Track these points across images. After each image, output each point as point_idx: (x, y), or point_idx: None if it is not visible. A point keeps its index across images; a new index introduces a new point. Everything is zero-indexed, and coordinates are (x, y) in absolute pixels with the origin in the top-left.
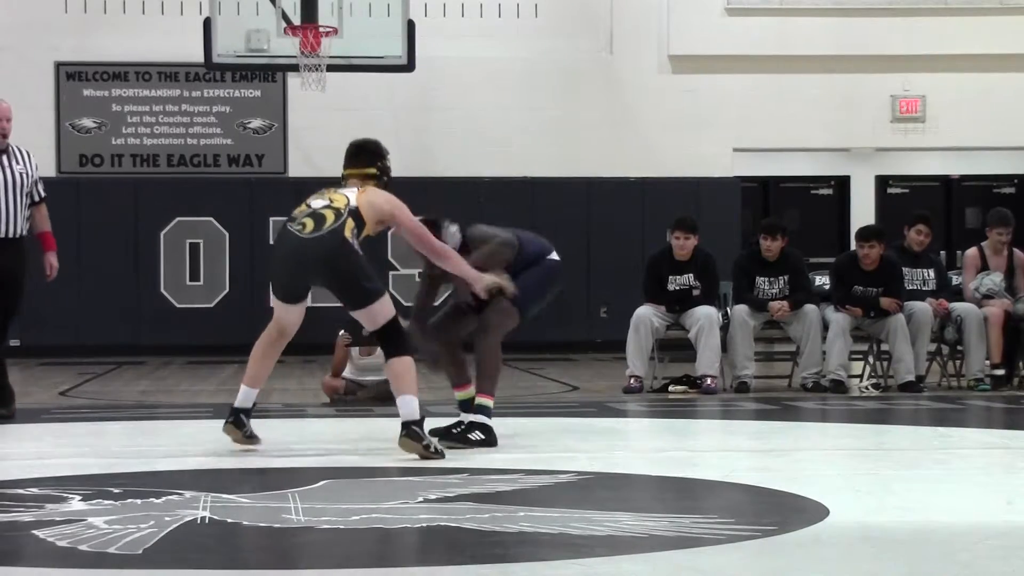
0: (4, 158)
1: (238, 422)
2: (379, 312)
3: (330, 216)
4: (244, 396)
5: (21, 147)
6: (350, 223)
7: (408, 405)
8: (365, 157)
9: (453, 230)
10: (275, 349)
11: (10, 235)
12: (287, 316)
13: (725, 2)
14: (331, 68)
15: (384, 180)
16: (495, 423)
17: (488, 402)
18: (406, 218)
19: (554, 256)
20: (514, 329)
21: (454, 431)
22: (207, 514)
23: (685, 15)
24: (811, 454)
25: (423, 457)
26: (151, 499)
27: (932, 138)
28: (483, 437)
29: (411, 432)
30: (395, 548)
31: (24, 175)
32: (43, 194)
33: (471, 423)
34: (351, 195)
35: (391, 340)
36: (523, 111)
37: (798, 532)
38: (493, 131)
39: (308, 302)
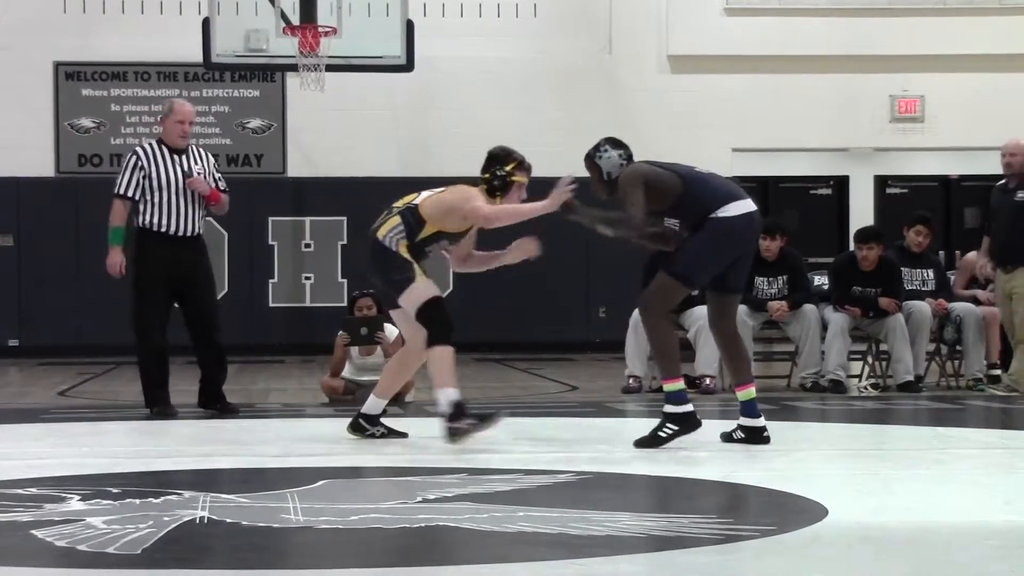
0: (184, 159)
1: (356, 426)
2: (408, 300)
3: (382, 216)
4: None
5: (200, 148)
6: (392, 222)
7: (443, 397)
8: (485, 163)
9: (613, 155)
10: (402, 360)
11: (190, 233)
12: (396, 319)
13: (724, 2)
14: (330, 68)
15: (495, 185)
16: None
17: (670, 386)
18: (472, 210)
19: (726, 212)
20: (675, 298)
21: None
22: (206, 514)
23: (684, 15)
24: (810, 454)
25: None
26: (150, 499)
27: (931, 138)
28: (675, 429)
29: (451, 417)
30: (394, 548)
31: (203, 175)
32: (224, 187)
33: (663, 416)
34: (425, 194)
35: (426, 329)
36: (522, 111)
37: (798, 532)
38: (492, 131)
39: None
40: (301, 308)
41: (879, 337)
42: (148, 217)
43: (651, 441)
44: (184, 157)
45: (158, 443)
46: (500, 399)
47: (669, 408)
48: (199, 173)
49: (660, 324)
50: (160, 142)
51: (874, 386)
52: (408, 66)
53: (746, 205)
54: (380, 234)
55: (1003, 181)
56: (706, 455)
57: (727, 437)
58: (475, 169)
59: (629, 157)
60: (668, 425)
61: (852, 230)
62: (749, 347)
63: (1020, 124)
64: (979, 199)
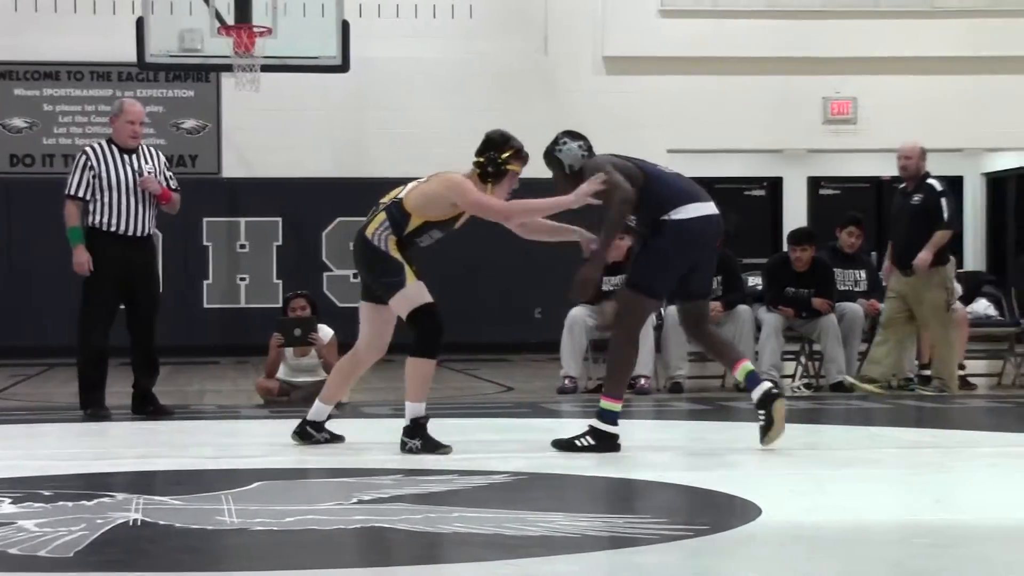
0: (134, 158)
1: (302, 433)
2: (399, 304)
3: (370, 213)
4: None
5: (151, 147)
6: (378, 219)
7: (409, 410)
8: (481, 146)
9: (573, 147)
10: (351, 363)
11: (140, 233)
12: (363, 315)
13: (659, 4)
14: (265, 68)
15: (488, 171)
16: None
17: (608, 405)
18: (460, 196)
19: (681, 214)
20: (643, 312)
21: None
22: (139, 516)
23: (619, 16)
24: (744, 454)
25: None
26: (83, 501)
27: (863, 140)
28: (592, 444)
29: (407, 431)
30: (329, 550)
31: (153, 174)
32: (176, 186)
33: (589, 428)
34: (409, 186)
35: (416, 336)
36: (458, 111)
37: (731, 532)
38: (428, 132)
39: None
40: (236, 309)
41: (812, 337)
42: (99, 217)
43: (567, 445)
44: (134, 157)
45: (92, 445)
46: (437, 400)
47: (597, 424)
48: (150, 172)
49: (625, 345)
50: (110, 142)
51: (807, 386)
52: (344, 67)
53: (704, 208)
54: (368, 232)
55: (902, 185)
56: (641, 456)
57: (759, 403)
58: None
59: (589, 148)
60: (588, 438)
61: (786, 231)
62: (684, 348)
63: (951, 125)
64: None
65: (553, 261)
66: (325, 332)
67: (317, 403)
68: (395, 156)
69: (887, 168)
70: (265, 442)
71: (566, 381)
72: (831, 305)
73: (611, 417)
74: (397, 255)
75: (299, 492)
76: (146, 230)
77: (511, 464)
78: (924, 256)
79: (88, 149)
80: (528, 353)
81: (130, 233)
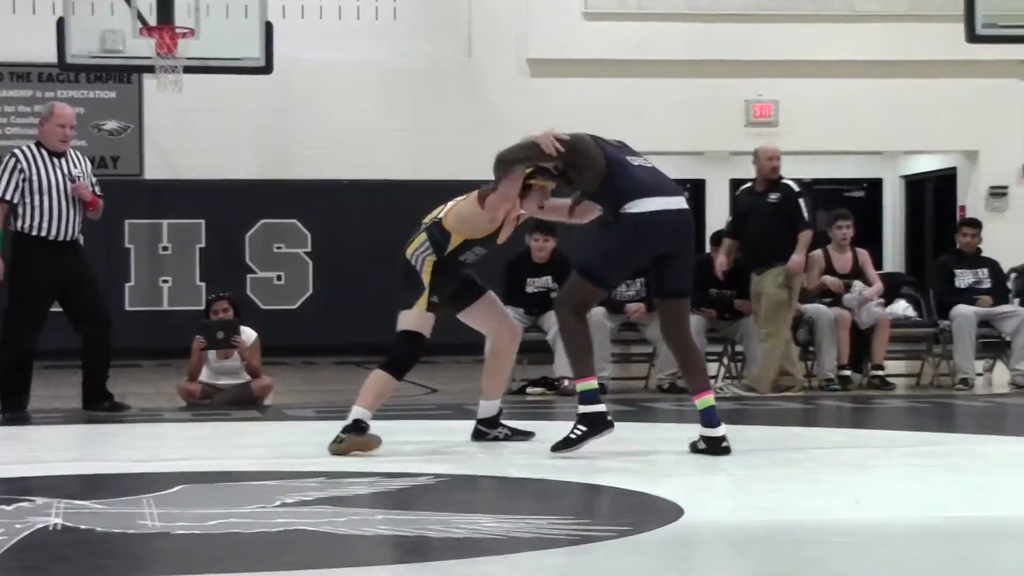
0: (64, 162)
1: (477, 433)
2: (400, 318)
3: (413, 234)
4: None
5: (77, 152)
6: (419, 239)
7: (355, 411)
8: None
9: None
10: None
11: (70, 238)
12: (470, 322)
13: (583, 6)
14: (188, 69)
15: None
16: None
17: (582, 385)
18: (490, 201)
19: (636, 207)
20: (584, 296)
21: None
22: (60, 521)
23: (543, 19)
24: (667, 455)
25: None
26: (1, 506)
27: (785, 142)
28: (583, 430)
29: (347, 427)
30: (252, 553)
31: (82, 179)
32: (100, 192)
33: (576, 417)
34: (448, 205)
35: (392, 353)
36: (382, 114)
37: (654, 532)
38: (352, 133)
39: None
40: (158, 312)
41: (734, 339)
42: (28, 221)
43: (564, 444)
44: (64, 160)
45: (12, 449)
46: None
47: (582, 408)
48: (79, 177)
49: (569, 322)
50: (39, 145)
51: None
52: (267, 68)
53: (665, 202)
54: (408, 252)
55: (749, 184)
56: (563, 456)
57: (692, 447)
58: (334, 172)
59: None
60: (578, 426)
61: (709, 233)
62: (608, 349)
63: (871, 128)
64: (832, 201)
65: (479, 264)
66: (248, 334)
67: (482, 401)
68: (319, 158)
69: (810, 170)
70: (187, 445)
71: None
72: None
73: (591, 396)
74: (426, 279)
75: (222, 495)
76: (75, 234)
77: (435, 466)
78: (798, 259)
79: (17, 152)
80: (454, 355)
81: (60, 238)
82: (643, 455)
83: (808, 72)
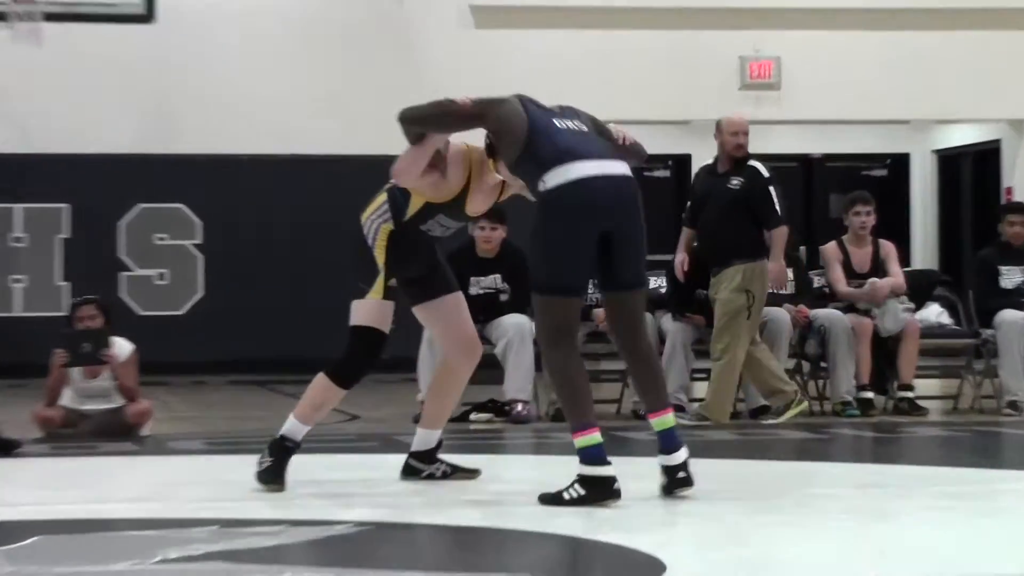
0: None
1: (408, 469)
2: (353, 311)
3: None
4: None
5: None
6: (377, 201)
7: (289, 426)
8: None
9: None
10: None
11: None
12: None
13: None
14: (50, 17)
15: (492, 147)
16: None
17: (581, 441)
18: (393, 169)
19: (552, 180)
20: (554, 315)
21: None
22: None
23: None
24: (644, 496)
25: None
26: None
27: (788, 109)
28: (582, 494)
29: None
30: None
31: None
32: None
33: (576, 477)
34: None
35: (343, 353)
36: (293, 74)
37: None
38: (255, 99)
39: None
40: (8, 319)
41: None
42: None
43: (554, 499)
44: None
45: None
46: (260, 431)
47: (583, 469)
48: None
49: (552, 358)
50: None
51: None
52: (148, 16)
53: (588, 167)
54: (363, 216)
55: (710, 163)
56: (516, 499)
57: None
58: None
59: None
60: (576, 487)
61: None
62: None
63: (895, 93)
64: (846, 182)
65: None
66: (122, 347)
67: (419, 430)
68: (213, 128)
69: (817, 144)
70: (45, 485)
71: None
72: None
73: (593, 454)
74: (380, 256)
75: (89, 549)
76: None
77: (355, 511)
78: (777, 268)
79: None
80: (376, 373)
81: None
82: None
83: (817, 23)
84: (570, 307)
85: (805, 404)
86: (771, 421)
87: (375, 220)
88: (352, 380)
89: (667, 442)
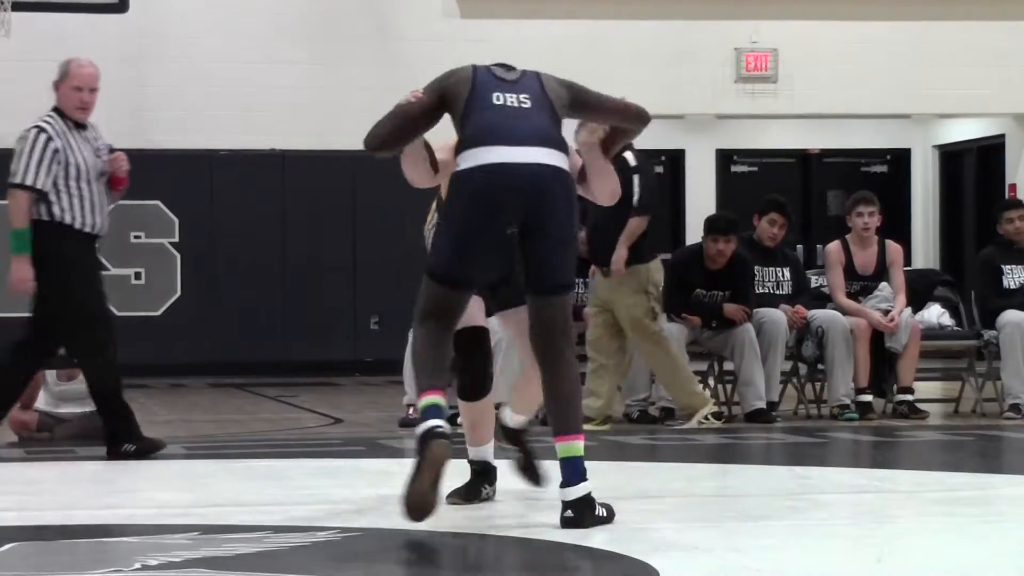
0: (87, 135)
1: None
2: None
3: None
4: None
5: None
6: (431, 212)
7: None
8: None
9: None
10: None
11: (100, 231)
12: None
13: None
14: (17, 7)
15: None
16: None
17: (421, 401)
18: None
19: (461, 164)
20: (427, 299)
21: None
22: None
23: None
24: (636, 502)
25: None
26: None
27: (786, 103)
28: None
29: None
30: None
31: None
32: None
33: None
34: None
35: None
36: (271, 66)
37: None
38: (231, 91)
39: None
40: None
41: (723, 354)
42: (65, 212)
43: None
44: (88, 135)
45: None
46: (244, 435)
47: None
48: (98, 151)
49: (416, 339)
50: (62, 114)
51: (717, 415)
52: (121, 6)
53: (500, 153)
54: (425, 228)
55: None
56: (504, 505)
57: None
58: (208, 140)
59: None
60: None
61: (688, 218)
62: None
63: (896, 86)
64: (845, 178)
65: (393, 258)
66: None
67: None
68: (188, 122)
69: (816, 139)
70: (21, 491)
71: (410, 411)
72: (748, 313)
73: (426, 413)
74: None
75: (66, 556)
76: (106, 226)
77: (341, 518)
78: (620, 253)
79: (45, 125)
80: (361, 375)
81: (98, 231)
82: (608, 502)
83: (816, 13)
84: (443, 296)
85: (715, 408)
86: (681, 425)
87: (430, 231)
88: (469, 388)
89: (567, 472)
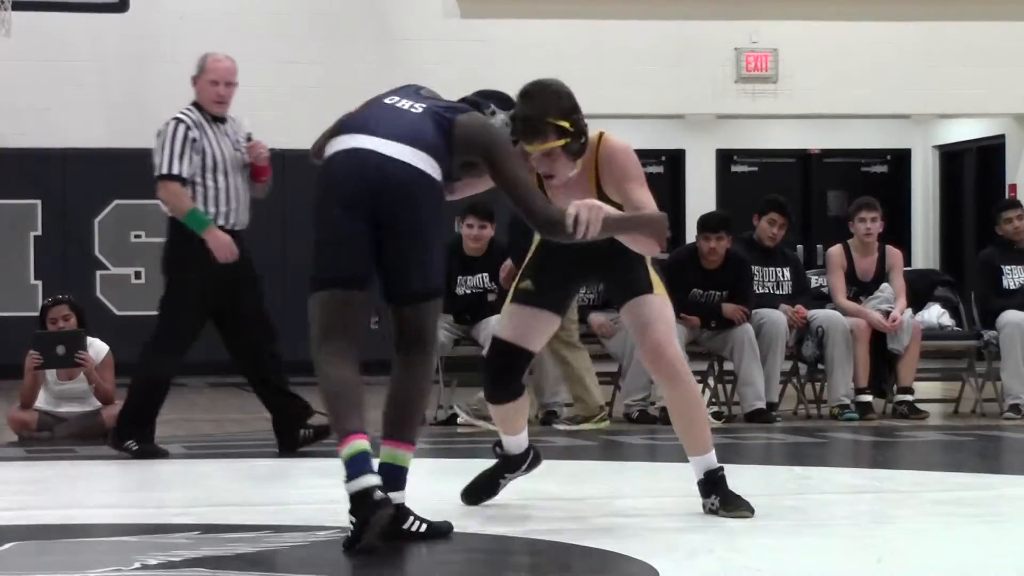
0: (227, 129)
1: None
2: None
3: None
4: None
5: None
6: None
7: None
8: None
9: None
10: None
11: (237, 224)
12: None
13: None
14: (17, 6)
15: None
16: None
17: (341, 451)
18: None
19: (327, 151)
20: (314, 311)
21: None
22: None
23: None
24: (636, 501)
25: None
26: None
27: (786, 103)
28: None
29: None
30: None
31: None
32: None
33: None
34: None
35: None
36: (273, 65)
37: None
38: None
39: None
40: None
41: (723, 354)
42: (199, 205)
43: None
44: (225, 128)
45: None
46: (241, 435)
47: (346, 487)
48: (236, 144)
49: (320, 361)
50: (200, 108)
51: (716, 415)
52: (122, 6)
53: (345, 140)
54: None
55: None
56: (503, 505)
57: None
58: None
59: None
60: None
61: (689, 217)
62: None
63: (896, 86)
64: (846, 179)
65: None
66: (98, 349)
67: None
68: None
69: (816, 139)
70: (20, 491)
71: None
72: (747, 313)
73: (353, 466)
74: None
75: (65, 555)
76: (246, 219)
77: (341, 517)
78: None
79: (183, 116)
80: (366, 374)
81: (238, 226)
82: (605, 502)
83: (816, 13)
84: (333, 302)
85: (607, 423)
86: (563, 427)
87: None
88: (489, 393)
89: (391, 478)
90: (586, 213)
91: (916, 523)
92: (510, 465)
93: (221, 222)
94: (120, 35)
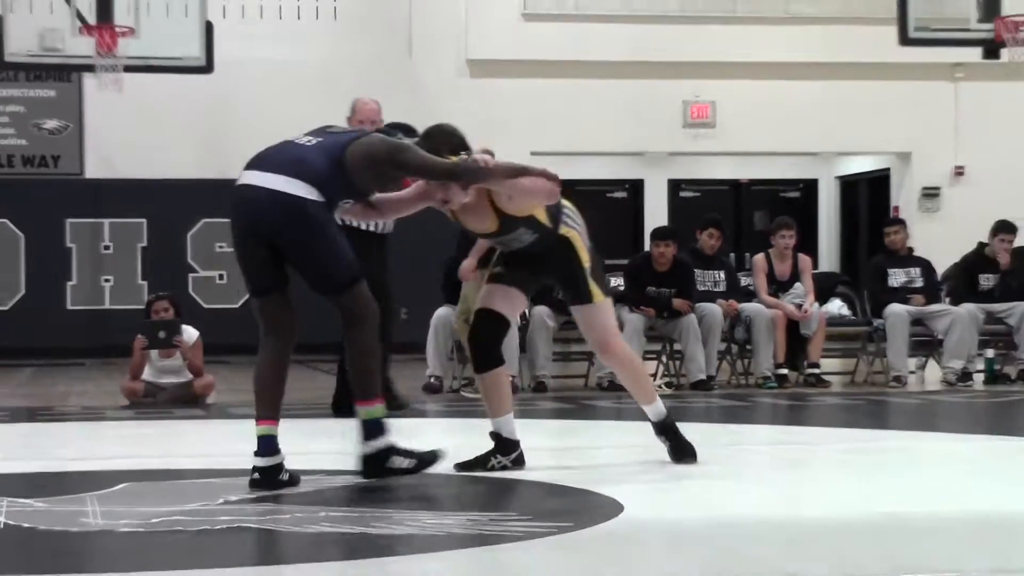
0: None
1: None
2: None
3: None
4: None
5: None
6: None
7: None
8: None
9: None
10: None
11: (379, 229)
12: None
13: (522, 8)
14: (128, 69)
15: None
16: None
17: (259, 429)
18: None
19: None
20: (265, 318)
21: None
22: (2, 519)
23: (483, 20)
24: (606, 452)
25: None
26: None
27: (722, 143)
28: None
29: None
30: (196, 551)
31: None
32: None
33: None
34: None
35: None
36: (322, 114)
37: (594, 528)
38: (291, 133)
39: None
40: (100, 311)
41: (673, 337)
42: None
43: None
44: None
45: None
46: (303, 401)
47: (256, 461)
48: None
49: (260, 361)
50: None
51: (668, 385)
52: (207, 68)
53: (242, 175)
54: None
55: None
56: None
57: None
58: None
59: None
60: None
61: (647, 232)
62: (550, 348)
63: (806, 130)
64: (767, 202)
65: (419, 265)
66: (190, 334)
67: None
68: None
69: (744, 171)
70: (131, 443)
71: (432, 379)
72: (691, 305)
73: (262, 445)
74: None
75: (165, 493)
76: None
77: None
78: (469, 263)
79: None
80: (395, 354)
81: (377, 229)
82: (583, 452)
83: (744, 74)
84: (255, 308)
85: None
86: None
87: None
88: (475, 361)
89: (366, 429)
90: (481, 157)
91: (822, 467)
92: (502, 447)
93: (357, 225)
94: (206, 90)
